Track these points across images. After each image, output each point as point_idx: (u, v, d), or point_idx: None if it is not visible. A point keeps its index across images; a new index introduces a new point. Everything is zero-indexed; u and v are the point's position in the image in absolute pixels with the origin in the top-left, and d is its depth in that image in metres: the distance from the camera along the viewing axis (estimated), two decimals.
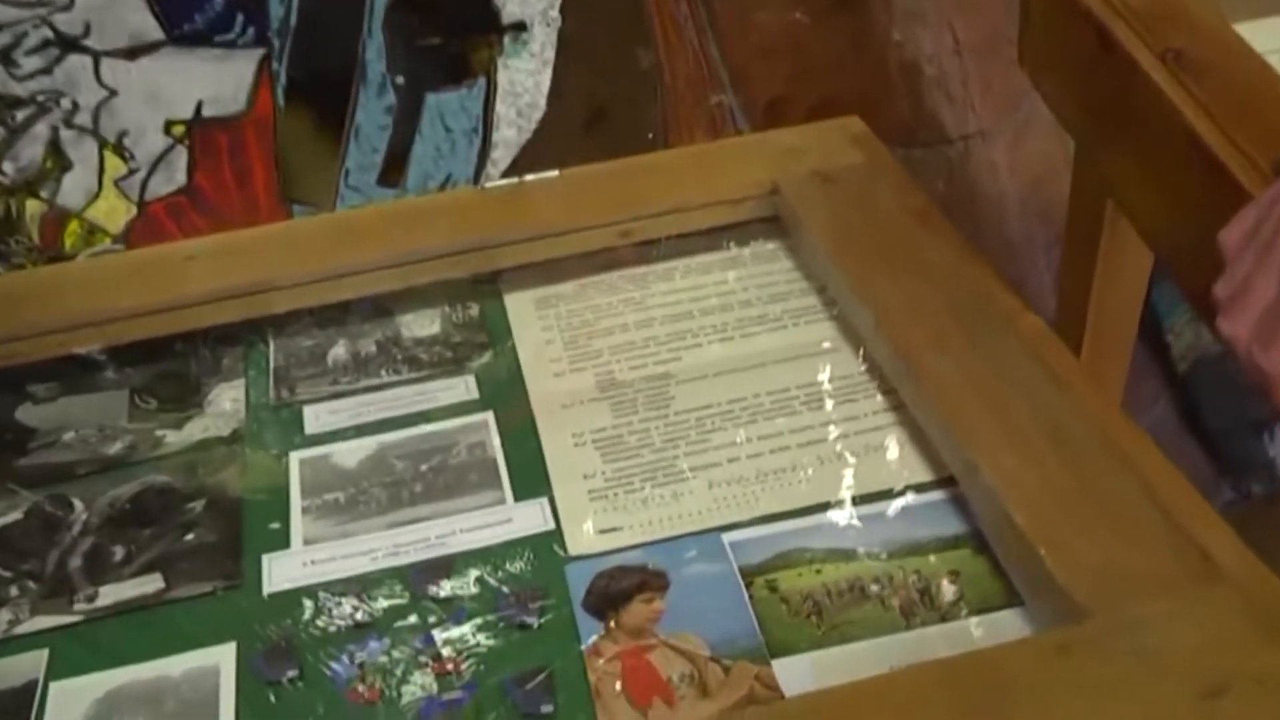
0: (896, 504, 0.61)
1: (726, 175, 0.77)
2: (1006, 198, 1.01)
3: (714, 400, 0.68)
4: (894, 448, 0.64)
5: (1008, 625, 0.55)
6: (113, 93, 0.83)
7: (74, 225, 0.85)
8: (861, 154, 0.77)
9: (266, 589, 0.60)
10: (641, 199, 0.76)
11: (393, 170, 0.86)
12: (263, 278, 0.73)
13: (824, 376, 0.69)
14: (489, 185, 0.80)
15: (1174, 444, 1.13)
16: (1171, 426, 1.13)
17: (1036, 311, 0.65)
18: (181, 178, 0.84)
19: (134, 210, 0.85)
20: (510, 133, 0.90)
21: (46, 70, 0.81)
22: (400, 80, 0.84)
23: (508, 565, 0.60)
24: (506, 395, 0.70)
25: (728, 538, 0.60)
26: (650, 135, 0.92)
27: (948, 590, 0.56)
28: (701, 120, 0.94)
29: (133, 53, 0.82)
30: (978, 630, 0.55)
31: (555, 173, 0.78)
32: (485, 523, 0.62)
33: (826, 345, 0.71)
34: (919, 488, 0.62)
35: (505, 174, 0.91)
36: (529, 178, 0.78)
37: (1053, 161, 0.98)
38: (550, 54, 0.89)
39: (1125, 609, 0.49)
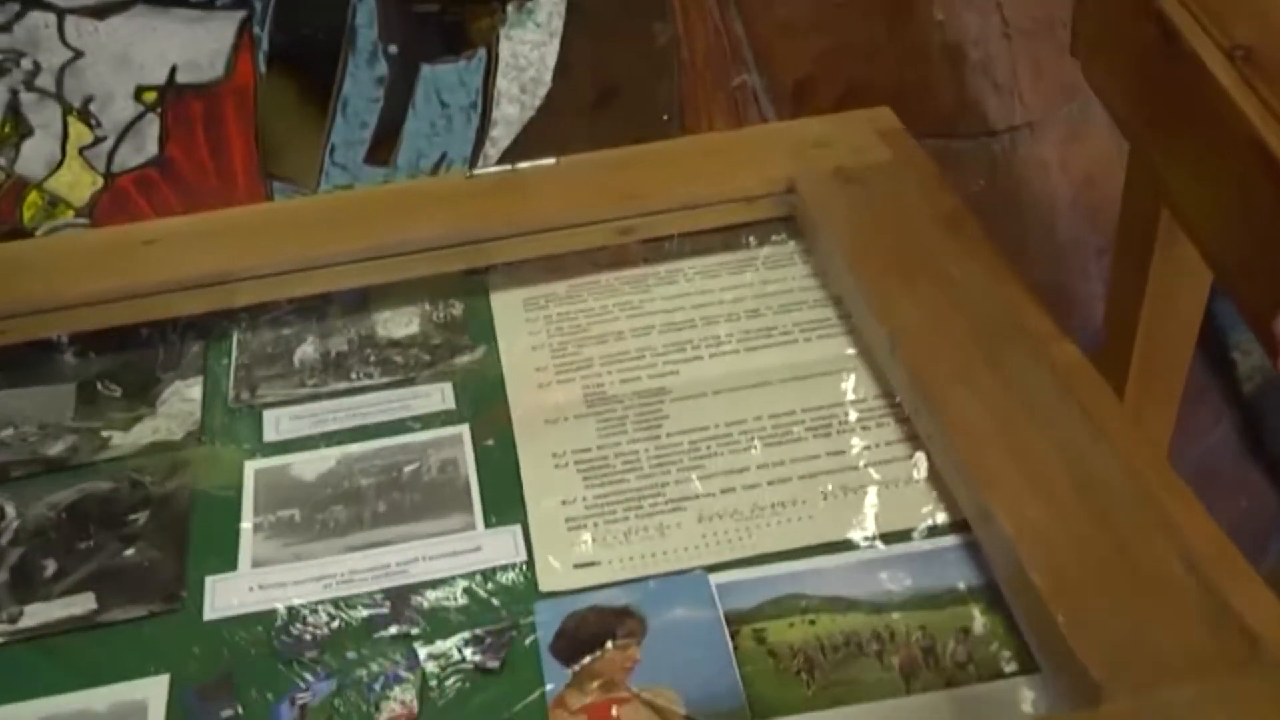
0: (904, 549, 0.59)
1: (741, 169, 0.75)
2: (1056, 197, 0.98)
3: (711, 421, 0.67)
4: (904, 486, 0.63)
5: (1020, 695, 0.53)
6: (78, 54, 0.81)
7: (34, 196, 0.84)
8: (890, 150, 0.75)
9: (208, 614, 0.58)
10: (646, 193, 0.74)
11: (382, 147, 0.84)
12: (232, 266, 0.71)
13: (832, 401, 0.67)
14: (478, 172, 0.79)
15: (1235, 471, 1.10)
16: (1232, 451, 1.10)
17: (1085, 325, 0.63)
18: (152, 149, 0.83)
19: (100, 182, 0.84)
20: (512, 110, 0.88)
21: (5, 28, 0.79)
22: (393, 49, 0.82)
23: (472, 599, 0.59)
24: (485, 407, 0.69)
25: (715, 579, 0.58)
26: (665, 117, 0.90)
27: (955, 650, 0.55)
28: (721, 102, 0.92)
29: (101, 11, 0.80)
30: (986, 699, 0.52)
31: (552, 160, 0.77)
32: (451, 550, 0.61)
33: (838, 365, 0.70)
34: (930, 532, 0.60)
35: (505, 154, 0.89)
36: (523, 165, 0.77)
37: (1108, 159, 0.95)
38: (558, 25, 0.87)
39: (1150, 691, 0.46)
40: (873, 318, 0.66)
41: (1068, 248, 1.00)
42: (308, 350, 0.73)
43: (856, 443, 0.65)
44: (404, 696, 0.56)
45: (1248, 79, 0.57)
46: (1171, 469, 0.59)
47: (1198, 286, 0.77)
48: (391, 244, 0.72)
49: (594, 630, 0.56)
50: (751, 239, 0.78)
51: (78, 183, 0.85)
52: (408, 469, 0.66)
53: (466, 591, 0.59)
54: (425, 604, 0.59)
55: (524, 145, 0.84)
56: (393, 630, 0.57)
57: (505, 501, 0.63)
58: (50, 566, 0.62)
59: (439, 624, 0.57)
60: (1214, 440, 1.06)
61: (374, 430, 0.68)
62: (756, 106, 0.93)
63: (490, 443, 0.67)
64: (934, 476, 0.62)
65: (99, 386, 0.73)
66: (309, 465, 0.66)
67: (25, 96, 0.82)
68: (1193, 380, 0.82)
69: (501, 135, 0.89)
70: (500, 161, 0.84)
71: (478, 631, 0.57)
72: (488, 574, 0.60)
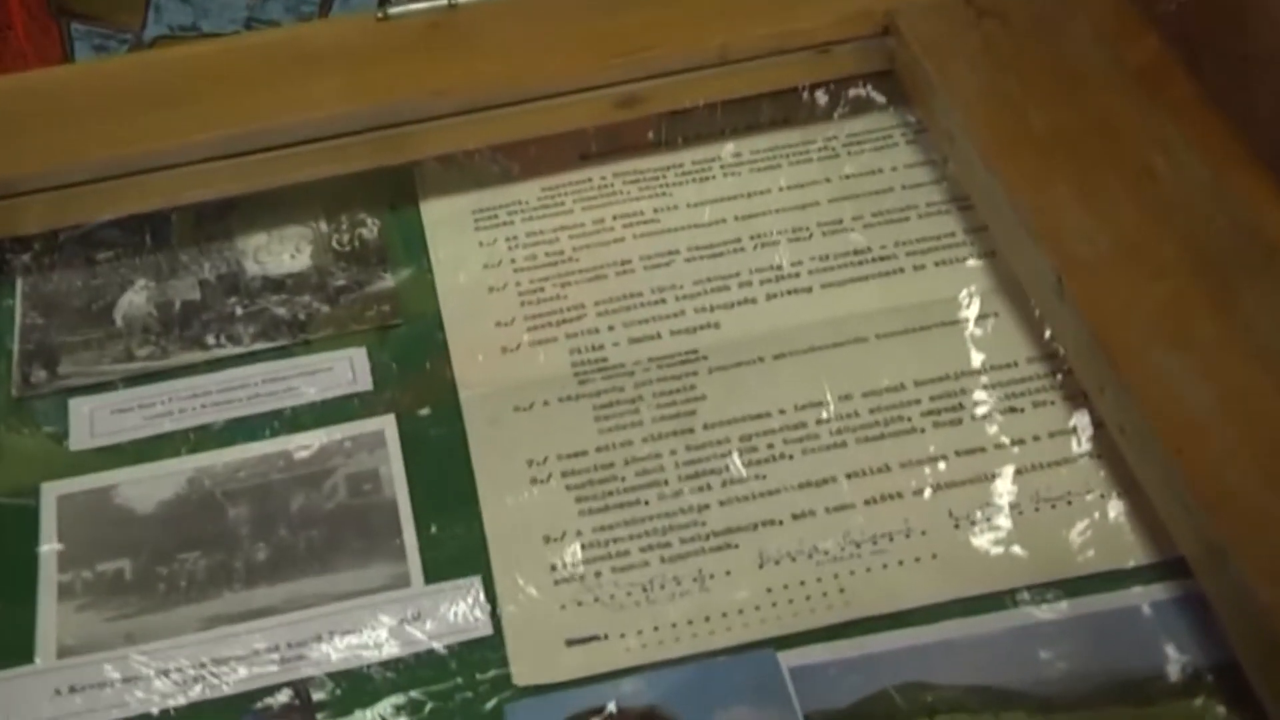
0: (1084, 607, 0.58)
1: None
2: None
3: (771, 404, 0.66)
4: (1081, 505, 0.61)
5: None
6: None
7: None
8: None
9: None
10: (656, 40, 0.72)
11: None
12: (9, 170, 0.69)
13: (961, 368, 0.67)
14: (396, 11, 0.76)
15: None
16: None
17: None
18: None
19: None
20: None
21: None
22: None
23: (408, 704, 0.57)
24: (419, 385, 0.68)
25: (789, 659, 0.57)
26: None
27: None
28: None
29: None
30: None
31: None
32: (374, 621, 0.60)
33: (968, 310, 0.69)
34: (1125, 580, 0.59)
35: None
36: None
37: None
38: None
39: None
40: (1026, 235, 0.64)
41: None
42: (136, 300, 0.72)
43: (1002, 436, 0.64)
44: None
45: None
46: None
47: None
48: (263, 129, 0.70)
49: None
50: (827, 109, 0.77)
51: None
52: (301, 489, 0.64)
53: (399, 689, 0.57)
54: (334, 711, 0.57)
55: None
56: None
57: (457, 540, 0.62)
58: None
59: None
60: None
61: (246, 427, 0.67)
62: None
63: (430, 442, 0.65)
64: (1127, 491, 0.61)
65: None
66: (145, 488, 0.65)
67: None
68: None
69: None
70: None
71: None
72: (433, 661, 0.58)
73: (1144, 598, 0.58)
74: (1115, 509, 0.61)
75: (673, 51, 0.73)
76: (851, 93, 0.77)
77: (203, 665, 0.58)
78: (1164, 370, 0.58)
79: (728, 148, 0.77)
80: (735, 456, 0.64)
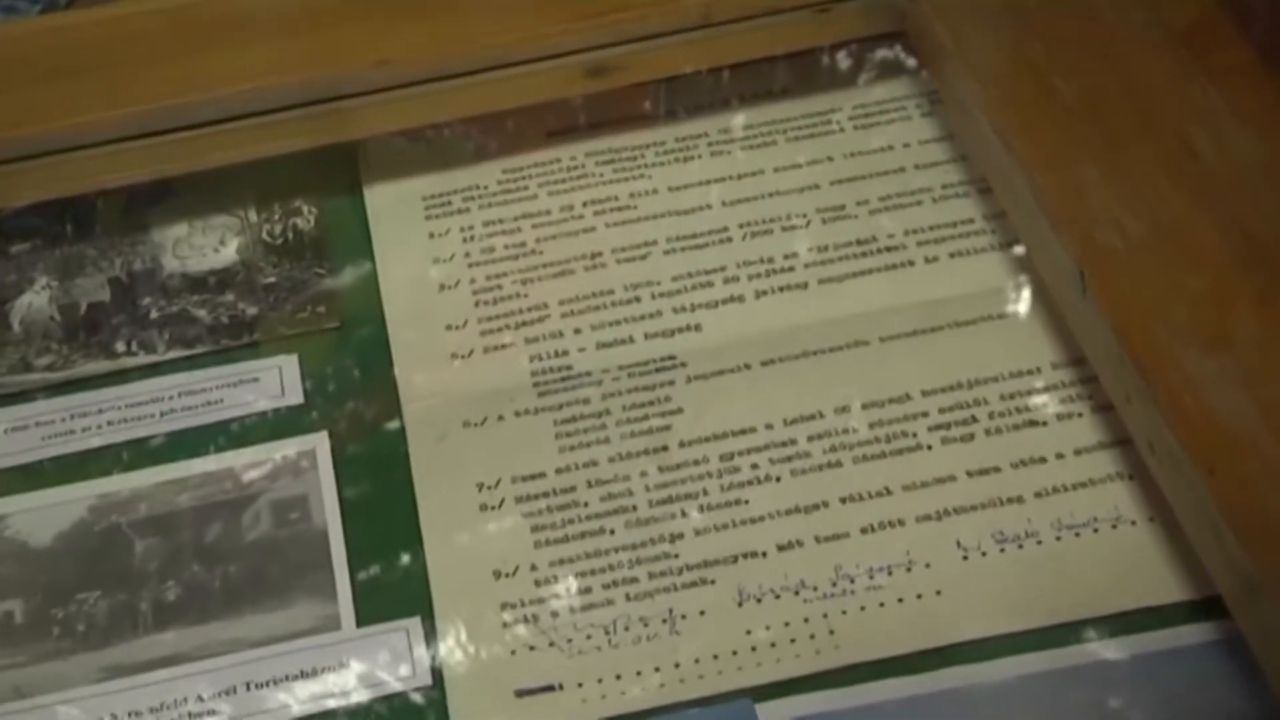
0: (1111, 650, 0.58)
1: None
2: None
3: (758, 418, 0.66)
4: (1108, 534, 0.61)
5: None
6: None
7: None
8: None
9: None
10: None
11: None
12: None
13: (976, 374, 0.67)
14: None
15: None
16: None
17: None
18: None
19: None
20: None
21: None
22: None
23: None
24: (357, 396, 0.68)
25: (768, 712, 0.58)
26: None
27: None
28: None
29: None
30: None
31: None
32: (298, 671, 0.60)
33: (983, 309, 0.69)
34: (1159, 617, 0.59)
35: None
36: None
37: None
38: None
39: None
40: (1045, 223, 0.64)
41: None
42: (35, 302, 0.72)
43: (1020, 453, 0.64)
44: None
45: None
46: None
47: None
48: (181, 104, 0.70)
49: None
50: (829, 77, 0.77)
51: None
52: (218, 519, 0.64)
53: None
54: None
55: None
56: None
57: (394, 575, 0.62)
58: None
59: None
60: None
61: (158, 448, 0.67)
62: None
63: (367, 463, 0.66)
64: (1163, 518, 0.61)
65: None
66: (39, 517, 0.65)
67: None
68: None
69: None
70: None
71: None
72: (363, 714, 0.59)
73: (1181, 639, 0.58)
74: (1148, 537, 0.61)
75: (649, 13, 0.72)
76: (859, 57, 0.77)
77: None
78: (1197, 377, 0.57)
79: (713, 123, 0.77)
80: (713, 480, 0.64)
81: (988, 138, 0.68)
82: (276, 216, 0.75)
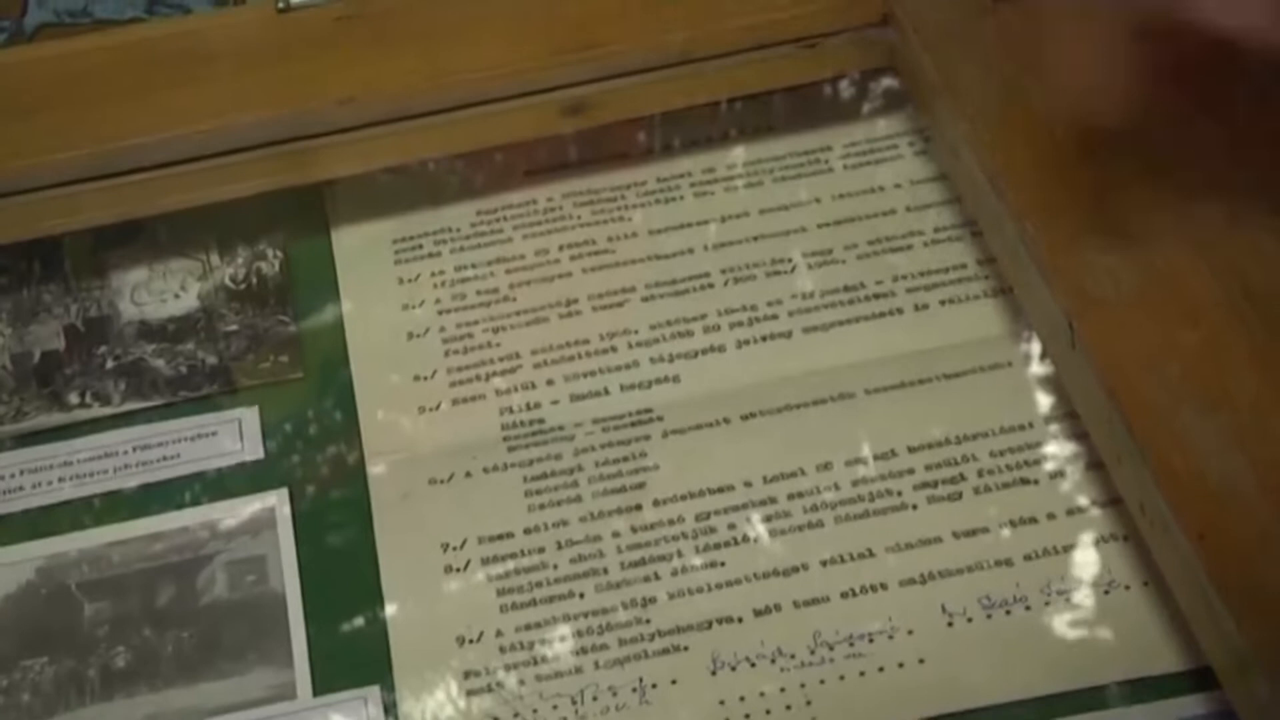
0: None
1: None
2: None
3: (735, 474, 0.66)
4: (1100, 600, 0.61)
5: None
6: None
7: None
8: None
9: None
10: (608, 36, 0.71)
11: None
12: None
13: (964, 430, 0.66)
14: (300, 0, 0.75)
15: None
16: None
17: None
18: None
19: None
20: None
21: None
22: None
23: None
24: (319, 452, 0.68)
25: None
26: None
27: None
28: None
29: None
30: None
31: None
32: None
33: (973, 360, 0.69)
34: (1151, 689, 0.59)
35: None
36: None
37: None
38: None
39: None
40: (1035, 270, 0.62)
41: None
42: None
43: (1009, 514, 0.64)
44: None
45: None
46: None
47: None
48: (137, 144, 0.69)
49: None
50: (818, 114, 0.77)
51: None
52: (173, 581, 0.64)
53: None
54: None
55: None
56: None
57: (354, 641, 0.62)
58: None
59: None
60: None
61: (110, 505, 0.67)
62: None
63: (328, 522, 0.66)
64: (1157, 583, 0.61)
65: None
66: None
67: None
68: None
69: None
70: None
71: None
72: None
73: (1178, 711, 0.58)
74: (1143, 603, 0.61)
75: (629, 48, 0.72)
76: (848, 94, 0.77)
77: None
78: (1189, 437, 0.56)
79: (694, 163, 0.77)
80: (688, 542, 0.64)
81: (977, 180, 0.67)
82: (240, 260, 0.75)
